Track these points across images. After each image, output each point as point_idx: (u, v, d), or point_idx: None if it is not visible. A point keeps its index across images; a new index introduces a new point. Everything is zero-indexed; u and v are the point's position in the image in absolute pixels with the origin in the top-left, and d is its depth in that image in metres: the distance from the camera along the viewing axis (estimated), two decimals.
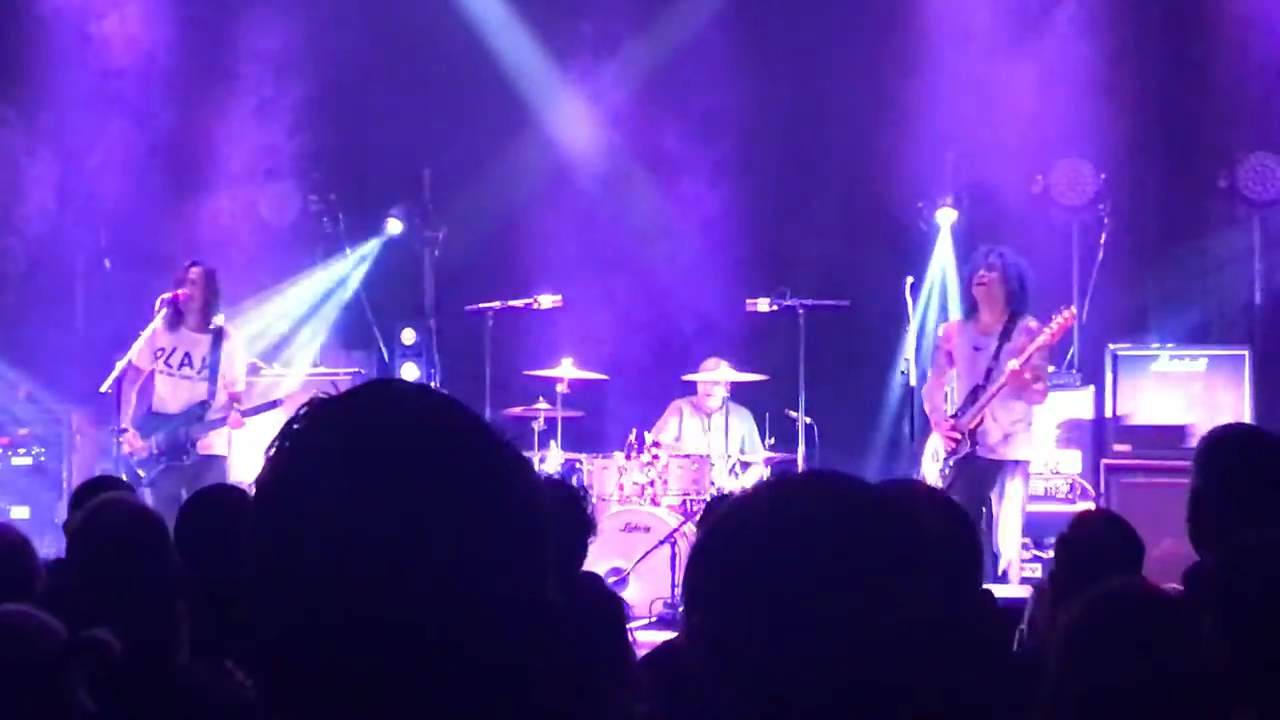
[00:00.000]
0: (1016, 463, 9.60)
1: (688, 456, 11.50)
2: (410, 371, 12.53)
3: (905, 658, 1.81)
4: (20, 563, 4.47)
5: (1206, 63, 11.93)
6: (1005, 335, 9.52)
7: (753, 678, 1.82)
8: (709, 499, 11.11)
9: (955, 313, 11.44)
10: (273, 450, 1.54)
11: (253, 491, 1.57)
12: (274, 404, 10.57)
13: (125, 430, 10.08)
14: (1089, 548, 4.67)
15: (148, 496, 9.35)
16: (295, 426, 1.55)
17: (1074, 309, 9.83)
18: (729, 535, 1.89)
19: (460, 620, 1.47)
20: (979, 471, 9.46)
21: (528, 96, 13.47)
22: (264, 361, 12.30)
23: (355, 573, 1.46)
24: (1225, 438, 4.48)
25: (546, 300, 11.87)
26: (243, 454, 10.50)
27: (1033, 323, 9.56)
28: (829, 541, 1.82)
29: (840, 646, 1.79)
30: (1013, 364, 9.35)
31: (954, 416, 9.65)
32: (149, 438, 10.18)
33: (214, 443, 10.25)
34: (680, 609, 1.95)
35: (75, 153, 12.80)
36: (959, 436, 9.51)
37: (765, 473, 11.80)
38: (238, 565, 1.52)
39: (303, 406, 1.56)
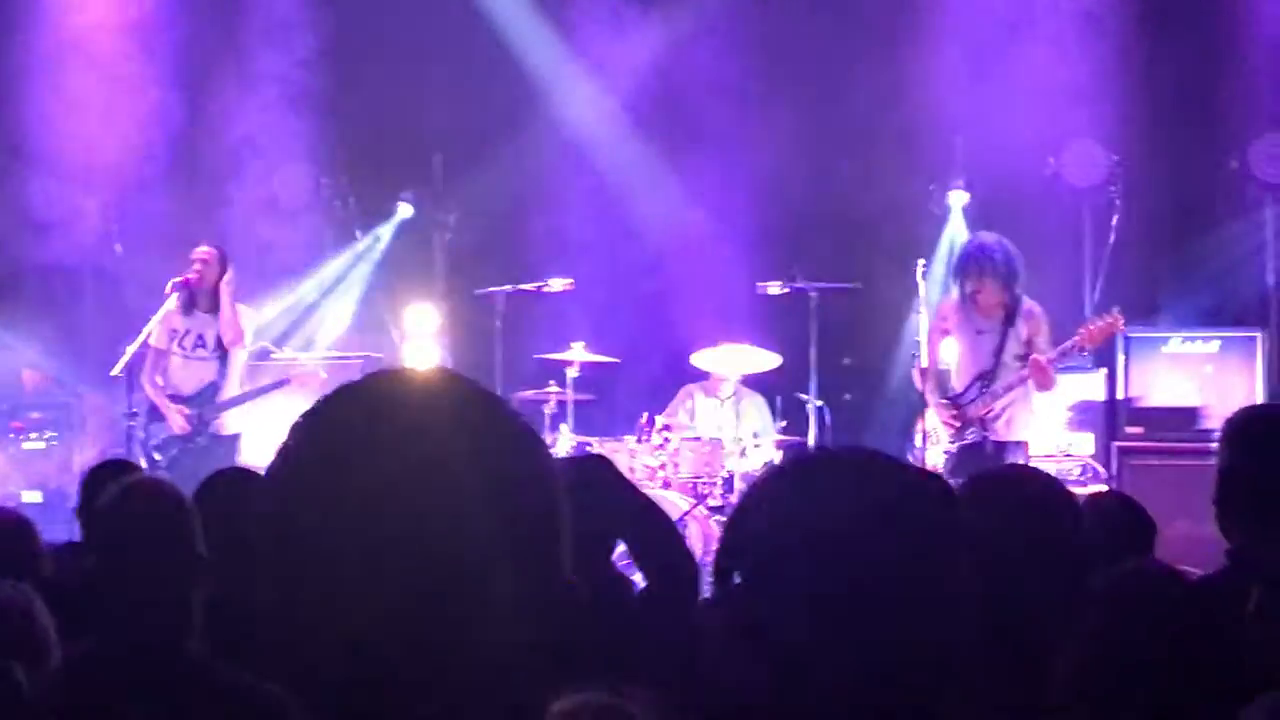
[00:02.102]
0: (1019, 444, 9.63)
1: (699, 439, 11.49)
2: (421, 355, 12.52)
3: (935, 648, 1.80)
4: (21, 546, 4.47)
5: (1219, 43, 11.88)
6: (1008, 320, 9.49)
7: (779, 649, 1.81)
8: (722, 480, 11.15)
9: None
10: (286, 440, 1.53)
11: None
12: (281, 383, 10.58)
13: (165, 410, 10.10)
14: (1102, 530, 4.66)
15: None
16: (309, 417, 1.54)
17: (1120, 317, 9.73)
18: (771, 504, 1.88)
19: (482, 613, 1.47)
20: (989, 457, 9.44)
21: (539, 78, 13.45)
22: (275, 346, 12.30)
23: (366, 566, 1.45)
24: (1258, 418, 4.47)
25: (557, 283, 11.86)
26: (256, 433, 10.52)
27: (1033, 306, 9.56)
28: (871, 519, 1.82)
29: (872, 628, 1.79)
30: (1040, 356, 9.34)
31: (954, 399, 9.61)
32: (162, 420, 10.20)
33: (226, 422, 10.26)
34: (711, 576, 1.93)
35: (83, 134, 12.78)
36: (960, 423, 9.50)
37: (776, 456, 11.79)
38: (248, 552, 1.51)
39: (321, 398, 1.55)
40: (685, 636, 3.46)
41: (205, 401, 10.19)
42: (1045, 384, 9.47)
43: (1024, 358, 9.50)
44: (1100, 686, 2.88)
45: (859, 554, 1.80)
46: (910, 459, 9.67)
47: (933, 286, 10.46)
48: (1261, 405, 4.57)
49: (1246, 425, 4.38)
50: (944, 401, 9.56)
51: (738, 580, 1.87)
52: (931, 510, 1.87)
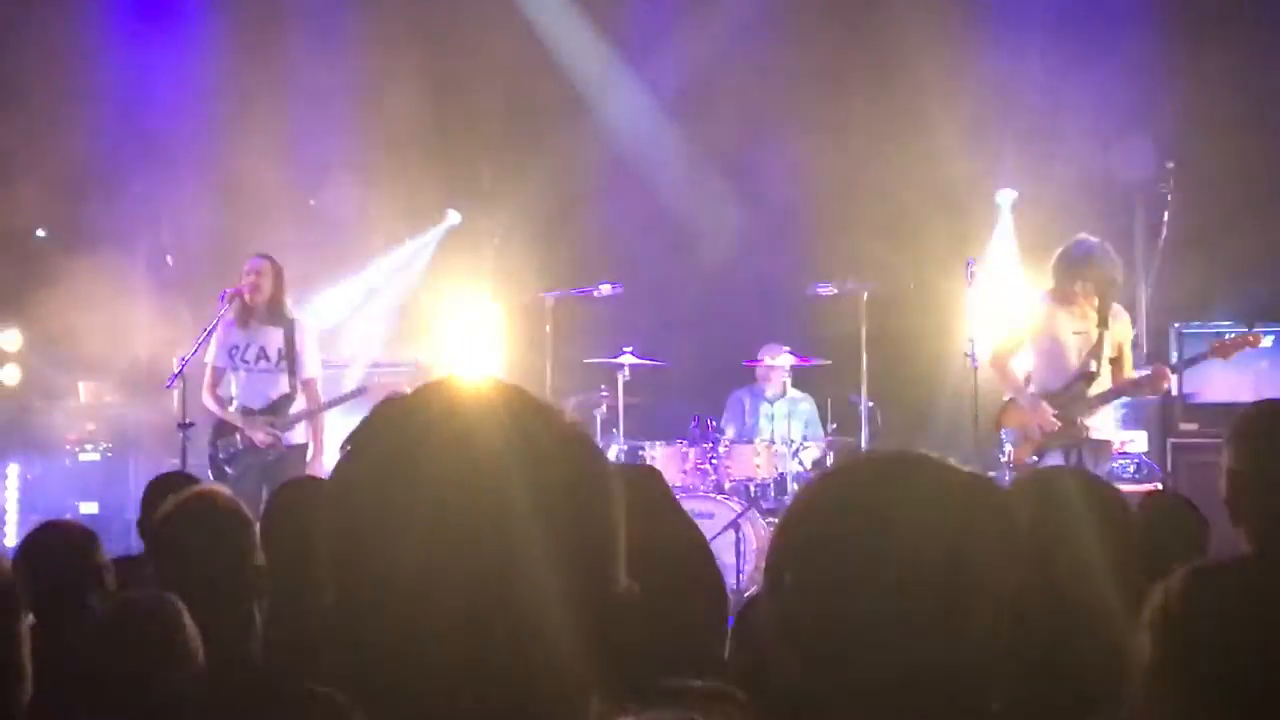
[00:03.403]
0: (1108, 442, 9.64)
1: (750, 443, 11.49)
2: (471, 362, 12.55)
3: (982, 655, 1.80)
4: (86, 558, 4.50)
5: (1268, 37, 11.79)
6: (1103, 322, 9.41)
7: (818, 646, 1.81)
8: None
9: (1005, 294, 11.34)
10: (342, 451, 1.55)
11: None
12: (360, 391, 10.59)
13: (243, 425, 10.14)
14: (1157, 529, 4.63)
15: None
16: (364, 427, 1.56)
17: (1260, 335, 9.69)
18: (821, 506, 1.88)
19: (535, 619, 1.48)
20: (1096, 456, 9.38)
21: (586, 83, 13.47)
22: (326, 354, 12.34)
23: (419, 573, 1.47)
24: (1261, 415, 4.41)
25: (606, 288, 11.88)
26: (329, 443, 10.51)
27: (1121, 309, 9.51)
28: (918, 521, 1.82)
29: (913, 629, 1.78)
30: (1164, 367, 9.37)
31: (1051, 398, 9.44)
32: (234, 434, 10.22)
33: (296, 433, 10.28)
34: (762, 576, 1.93)
35: (131, 148, 12.87)
36: (1062, 423, 9.37)
37: (828, 457, 11.78)
38: (314, 563, 1.53)
39: (374, 408, 1.57)
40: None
41: (280, 412, 10.21)
42: (1160, 391, 9.51)
43: (1114, 360, 9.45)
44: (1186, 684, 2.86)
45: (905, 555, 1.80)
46: (1002, 459, 9.62)
47: (980, 285, 10.39)
48: (1268, 402, 4.48)
49: (1249, 423, 4.33)
50: (1042, 400, 9.40)
51: (788, 581, 1.87)
52: (979, 513, 1.86)
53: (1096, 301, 9.34)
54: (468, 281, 13.43)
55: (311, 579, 1.55)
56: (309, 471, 9.75)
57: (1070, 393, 9.38)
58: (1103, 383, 9.39)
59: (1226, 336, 9.67)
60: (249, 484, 9.65)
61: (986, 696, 1.83)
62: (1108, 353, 9.41)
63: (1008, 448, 9.60)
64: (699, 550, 3.46)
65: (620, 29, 13.39)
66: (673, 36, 13.17)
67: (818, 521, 1.88)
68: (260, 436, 10.11)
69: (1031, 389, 9.50)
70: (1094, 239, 9.46)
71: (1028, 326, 9.54)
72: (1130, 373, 9.50)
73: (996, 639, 1.83)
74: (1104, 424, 9.55)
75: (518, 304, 12.91)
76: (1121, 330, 9.48)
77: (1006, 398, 9.75)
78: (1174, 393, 11.40)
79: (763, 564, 10.28)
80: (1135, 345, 9.71)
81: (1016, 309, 10.04)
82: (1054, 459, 9.28)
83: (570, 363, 12.07)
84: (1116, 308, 9.46)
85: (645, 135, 13.42)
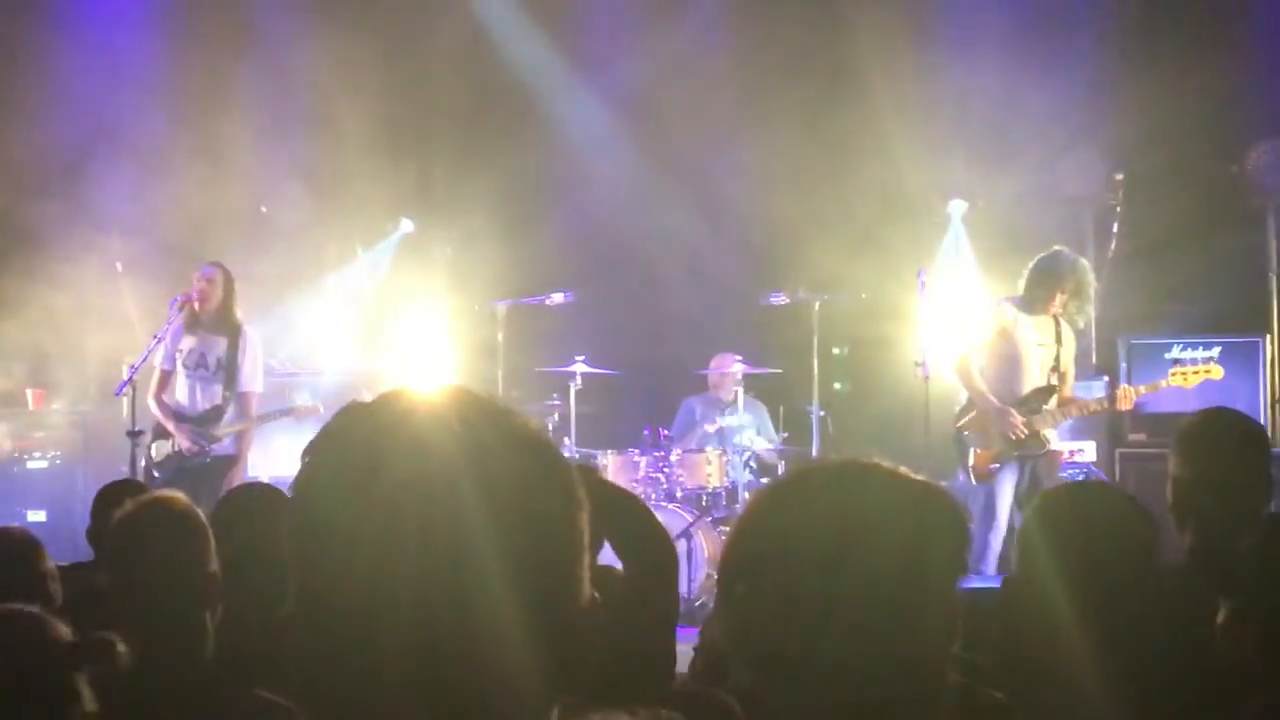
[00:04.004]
0: (1062, 453, 9.71)
1: (701, 451, 11.51)
2: (424, 370, 12.52)
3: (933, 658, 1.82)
4: (30, 565, 4.47)
5: (1216, 50, 11.89)
6: (1058, 339, 9.48)
7: (770, 656, 1.83)
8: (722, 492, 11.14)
9: (956, 304, 11.38)
10: (305, 457, 1.56)
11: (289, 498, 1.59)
12: (284, 411, 10.61)
13: (174, 430, 10.15)
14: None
15: None
16: (325, 434, 1.56)
17: (1220, 368, 9.88)
18: (772, 515, 1.90)
19: (492, 620, 1.48)
20: (1050, 467, 9.45)
21: (539, 92, 13.47)
22: (279, 363, 12.30)
23: (377, 575, 1.48)
24: (1204, 424, 4.46)
25: (558, 297, 11.89)
26: (255, 452, 10.56)
27: (1066, 327, 9.58)
28: (874, 533, 1.83)
29: (864, 636, 1.80)
30: (1130, 390, 9.47)
31: (1016, 407, 9.46)
32: (168, 439, 10.22)
33: (226, 442, 10.28)
34: (713, 588, 1.96)
35: (81, 153, 12.79)
36: (1026, 433, 9.40)
37: (779, 465, 11.80)
38: (272, 567, 1.54)
39: (335, 414, 1.58)
40: (671, 621, 3.50)
41: (209, 422, 10.20)
42: (1121, 411, 9.67)
43: (1062, 375, 9.53)
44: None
45: (857, 563, 1.81)
46: (965, 467, 9.64)
47: (931, 295, 10.43)
48: (1211, 410, 4.54)
49: (1193, 431, 4.39)
50: (1010, 408, 9.41)
51: (740, 590, 1.88)
52: (930, 520, 1.88)
53: (1063, 313, 9.42)
54: (420, 289, 13.40)
55: (260, 586, 1.56)
56: (227, 482, 9.77)
57: (1032, 403, 9.44)
58: (1060, 397, 9.47)
59: (1187, 369, 9.76)
60: (176, 487, 9.63)
61: (937, 700, 1.84)
62: (1061, 365, 9.49)
63: (972, 450, 9.61)
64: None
65: (574, 38, 13.39)
66: (627, 46, 13.19)
67: (770, 531, 1.89)
68: (185, 443, 10.11)
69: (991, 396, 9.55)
70: (1071, 252, 9.56)
71: (992, 332, 9.57)
72: (1068, 390, 9.57)
73: (946, 643, 1.85)
74: (1053, 435, 9.62)
75: (470, 312, 12.89)
76: (1070, 346, 9.57)
77: (965, 402, 9.77)
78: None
79: (715, 573, 10.32)
80: (1082, 357, 9.80)
81: (969, 316, 10.07)
82: (1009, 469, 9.34)
83: (522, 371, 12.08)
84: (1064, 324, 9.53)
85: (598, 144, 13.42)
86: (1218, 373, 9.75)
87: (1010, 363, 9.50)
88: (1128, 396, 9.39)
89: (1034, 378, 9.47)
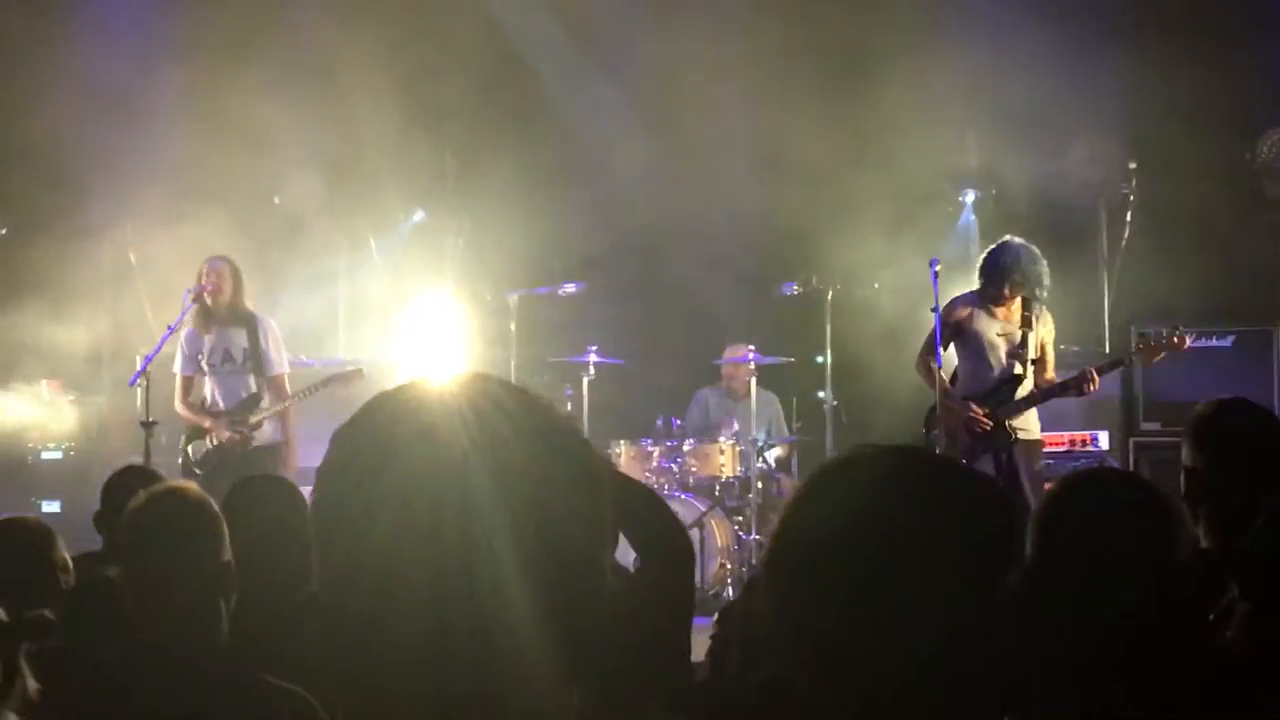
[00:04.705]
0: (1039, 442, 9.63)
1: (714, 441, 11.52)
2: (433, 360, 12.52)
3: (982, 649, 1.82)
4: (43, 555, 4.48)
5: (1230, 37, 11.86)
6: (1027, 323, 9.47)
7: (825, 653, 1.83)
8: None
9: None
10: (330, 447, 1.57)
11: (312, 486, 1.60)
12: (326, 383, 10.52)
13: (210, 425, 10.14)
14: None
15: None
16: (349, 424, 1.58)
17: (1185, 337, 9.71)
18: (811, 509, 1.90)
19: (507, 609, 1.49)
20: (1028, 456, 9.40)
21: (551, 81, 13.46)
22: (291, 352, 12.30)
23: (394, 563, 1.48)
24: (1216, 414, 4.46)
25: (570, 288, 11.89)
26: (299, 440, 10.46)
27: (1044, 311, 9.55)
28: (915, 521, 1.83)
29: (914, 624, 1.80)
30: (1092, 371, 9.35)
31: (983, 400, 9.48)
32: (205, 437, 10.22)
33: (267, 430, 10.26)
34: (755, 573, 1.95)
35: (95, 145, 12.80)
36: (991, 424, 9.40)
37: (793, 456, 11.81)
38: (285, 554, 1.55)
39: (361, 407, 1.59)
40: (687, 615, 3.50)
41: (247, 411, 10.19)
42: (1085, 393, 9.50)
43: (1037, 361, 9.49)
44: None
45: (902, 550, 1.82)
46: None
47: (946, 285, 10.41)
48: (1226, 400, 4.53)
49: (1206, 421, 4.39)
50: (970, 402, 9.43)
51: (787, 579, 1.88)
52: (980, 507, 1.88)
53: (1020, 303, 9.42)
54: (432, 280, 13.40)
55: (273, 573, 1.57)
56: (280, 470, 9.73)
57: (998, 395, 9.44)
58: (1028, 384, 9.45)
59: (1151, 341, 9.70)
60: (218, 482, 9.62)
61: (987, 692, 1.84)
62: (1031, 353, 9.46)
63: (939, 452, 9.61)
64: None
65: (588, 26, 13.37)
66: (640, 35, 13.16)
67: (819, 517, 1.89)
68: (225, 435, 10.11)
69: (959, 390, 9.53)
70: (1019, 240, 9.54)
71: (953, 328, 9.56)
72: (1051, 374, 9.55)
73: (995, 635, 1.85)
74: (1031, 424, 9.56)
75: (482, 303, 12.90)
76: (1045, 331, 9.54)
77: (931, 405, 9.78)
78: (1137, 391, 11.48)
79: (729, 562, 10.30)
80: (1095, 345, 9.75)
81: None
82: (984, 462, 9.31)
83: (535, 362, 12.08)
84: (1040, 308, 9.52)
85: (611, 134, 13.41)
86: (1185, 343, 9.68)
87: (975, 357, 9.52)
88: (1089, 378, 9.35)
89: (998, 368, 9.47)
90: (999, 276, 9.38)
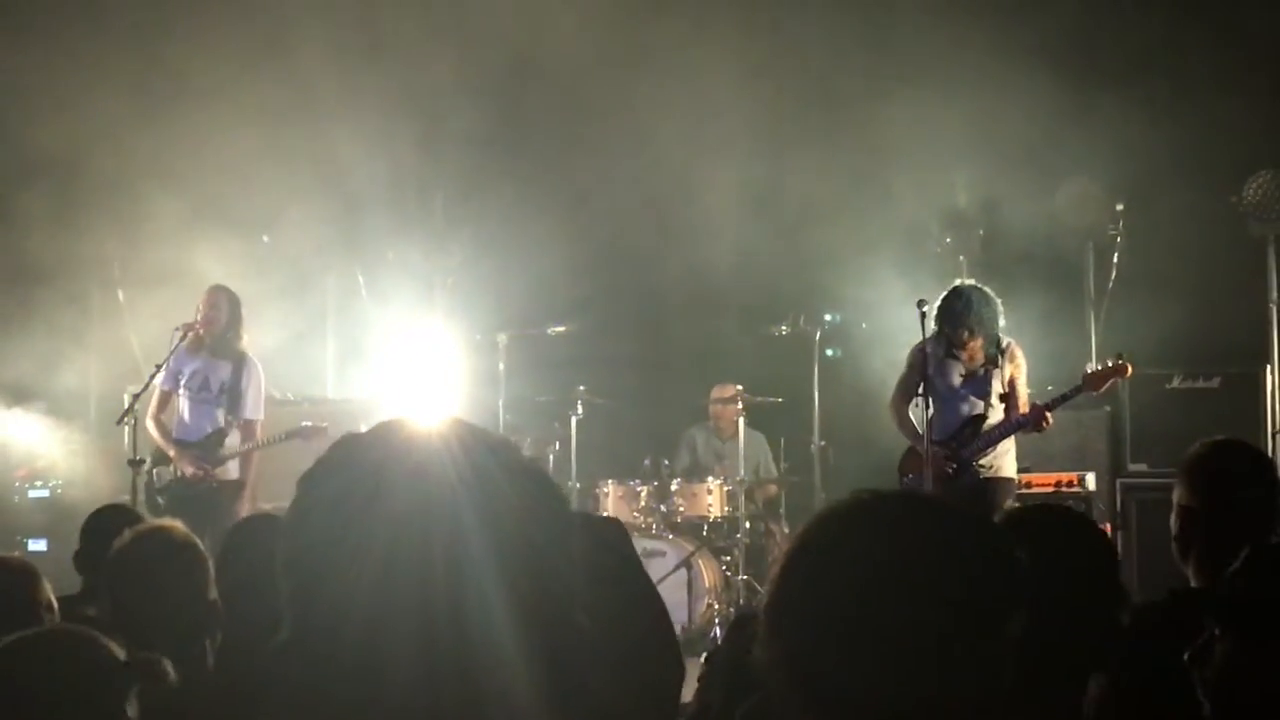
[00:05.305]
0: (1010, 480, 9.65)
1: (702, 481, 11.51)
2: (421, 399, 12.50)
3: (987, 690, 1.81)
4: (27, 594, 4.46)
5: (1217, 81, 11.90)
6: (991, 362, 9.53)
7: (830, 699, 1.82)
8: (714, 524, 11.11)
9: None
10: (300, 488, 1.57)
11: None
12: (291, 434, 10.55)
13: (174, 456, 10.13)
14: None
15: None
16: (321, 465, 1.57)
17: (1127, 365, 9.80)
18: (817, 555, 1.89)
19: (486, 648, 1.48)
20: (970, 491, 9.39)
21: (541, 123, 13.47)
22: (277, 390, 12.29)
23: (381, 604, 1.47)
24: (1210, 454, 4.47)
25: (559, 328, 11.89)
26: (260, 478, 10.49)
27: (1011, 343, 9.61)
28: (922, 567, 1.83)
29: (924, 679, 1.80)
30: (1042, 407, 9.40)
31: (947, 443, 9.51)
32: (170, 464, 10.21)
33: (230, 467, 10.25)
34: (759, 621, 1.94)
35: (79, 178, 12.79)
36: (956, 466, 9.45)
37: (780, 495, 11.79)
38: (274, 596, 1.54)
39: (331, 446, 1.59)
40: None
41: (212, 447, 10.18)
42: (1042, 429, 9.55)
43: (1004, 396, 9.54)
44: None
45: (908, 595, 1.81)
46: None
47: (932, 326, 10.43)
48: (1220, 440, 4.55)
49: (1199, 461, 4.39)
50: (937, 445, 9.47)
51: (791, 619, 1.88)
52: (984, 552, 1.88)
53: (982, 344, 9.47)
54: (420, 319, 13.39)
55: (262, 615, 1.56)
56: (235, 509, 9.74)
57: (960, 436, 9.49)
58: (995, 422, 9.49)
59: (1096, 370, 9.76)
60: (182, 516, 9.61)
61: None
62: (997, 389, 9.51)
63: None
64: (660, 617, 3.46)
65: (577, 67, 13.38)
66: (628, 77, 13.17)
67: (823, 560, 1.88)
68: (189, 470, 10.10)
69: (931, 434, 9.55)
70: (970, 283, 9.65)
71: (919, 374, 9.59)
72: (1025, 408, 9.58)
73: (997, 682, 1.84)
74: (1000, 461, 9.59)
75: (471, 341, 12.89)
76: (1013, 368, 9.59)
77: (906, 449, 9.82)
78: (1125, 432, 11.48)
79: (716, 602, 10.27)
80: (1076, 395, 9.76)
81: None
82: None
83: (523, 401, 12.07)
84: (1008, 344, 9.58)
85: (599, 174, 13.41)
86: (1128, 371, 9.73)
87: (941, 401, 9.56)
88: (1041, 415, 9.43)
89: (962, 411, 9.52)
90: (954, 321, 9.51)
